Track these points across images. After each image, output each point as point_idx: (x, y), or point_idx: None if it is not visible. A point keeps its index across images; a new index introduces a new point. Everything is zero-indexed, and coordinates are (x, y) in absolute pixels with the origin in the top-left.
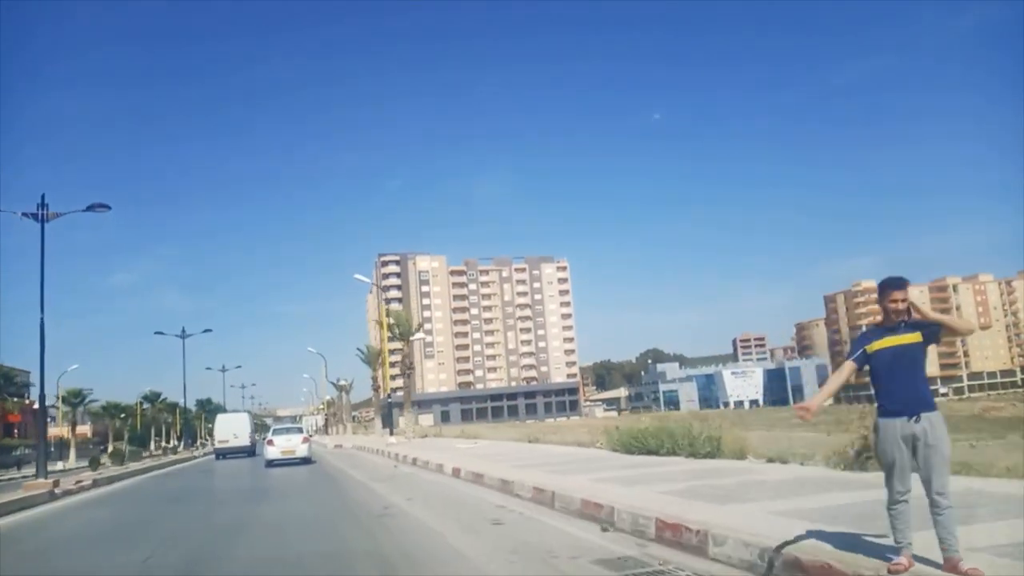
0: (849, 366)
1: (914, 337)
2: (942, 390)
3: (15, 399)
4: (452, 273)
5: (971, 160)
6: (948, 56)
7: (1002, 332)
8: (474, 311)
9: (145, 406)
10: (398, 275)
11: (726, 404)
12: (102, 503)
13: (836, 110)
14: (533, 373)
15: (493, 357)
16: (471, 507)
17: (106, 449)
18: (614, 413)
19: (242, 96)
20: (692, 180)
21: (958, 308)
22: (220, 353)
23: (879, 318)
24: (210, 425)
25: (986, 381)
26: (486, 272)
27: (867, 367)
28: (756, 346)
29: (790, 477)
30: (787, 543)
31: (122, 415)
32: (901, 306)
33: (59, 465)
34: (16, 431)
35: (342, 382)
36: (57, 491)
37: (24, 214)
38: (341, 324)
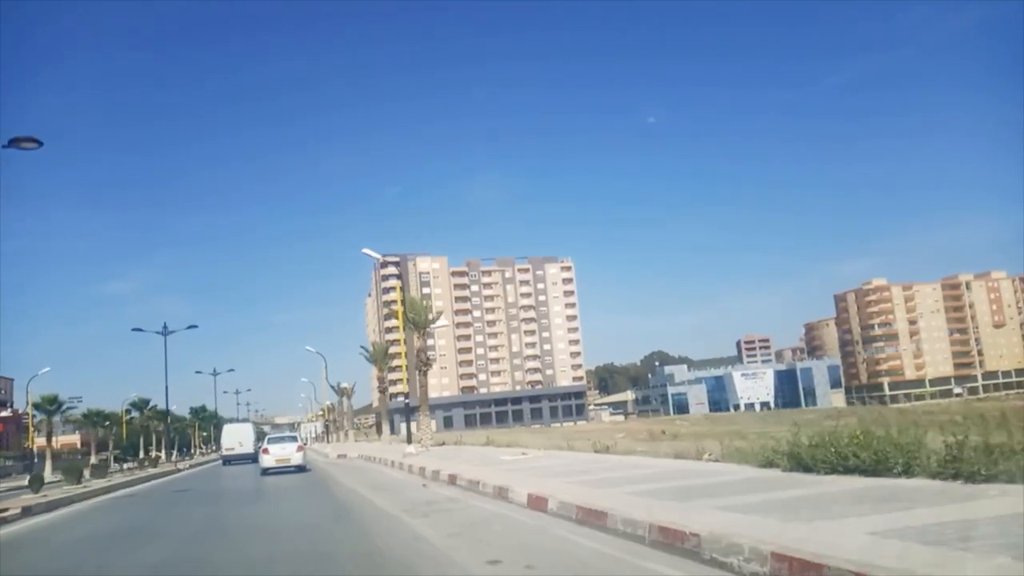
0: None
1: None
2: (956, 390)
3: None
4: (454, 274)
5: (981, 156)
6: (950, 51)
7: (1016, 330)
8: (477, 313)
9: (133, 414)
10: (398, 276)
11: (736, 407)
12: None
13: (839, 108)
14: (538, 377)
15: (497, 360)
16: None
17: (87, 461)
18: (620, 417)
19: (233, 99)
20: (692, 180)
21: (972, 306)
22: (217, 361)
23: (891, 317)
24: (204, 434)
25: (1001, 380)
26: (488, 273)
27: None
28: (761, 347)
29: None
30: None
31: (106, 423)
32: None
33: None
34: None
35: (344, 385)
36: None
37: None
38: (339, 331)
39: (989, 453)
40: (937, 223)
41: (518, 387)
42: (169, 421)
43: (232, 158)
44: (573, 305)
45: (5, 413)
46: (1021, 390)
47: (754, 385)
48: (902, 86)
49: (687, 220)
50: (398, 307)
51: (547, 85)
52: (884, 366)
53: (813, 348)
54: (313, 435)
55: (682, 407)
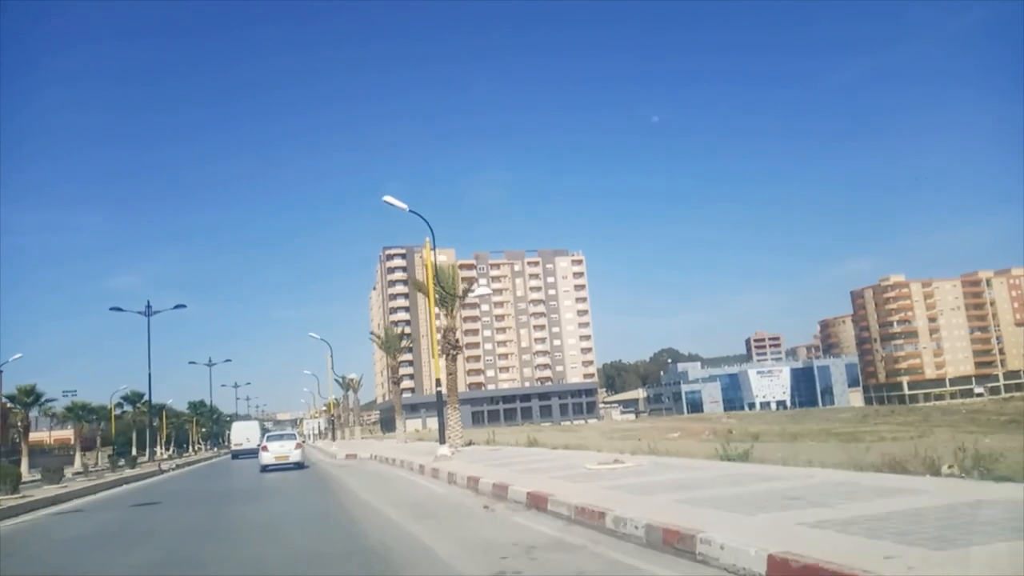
0: None
1: None
2: (977, 389)
3: None
4: (461, 267)
5: (993, 152)
6: (954, 50)
7: None
8: (485, 307)
9: (126, 408)
10: (404, 269)
11: (751, 405)
12: None
13: (844, 106)
14: (547, 373)
15: (505, 356)
16: None
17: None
18: (631, 416)
19: (235, 94)
20: (695, 178)
21: (993, 303)
22: (221, 356)
23: (910, 314)
24: (204, 429)
25: (1023, 380)
26: (497, 266)
27: None
28: (771, 345)
29: None
30: None
31: (92, 417)
32: None
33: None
34: None
35: (351, 376)
36: None
37: None
38: (342, 327)
39: None
40: (940, 222)
41: (526, 384)
42: (165, 416)
43: (234, 153)
44: (584, 300)
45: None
46: None
47: (770, 383)
48: (906, 84)
49: (693, 218)
50: (429, 273)
51: (549, 82)
52: (903, 365)
53: (829, 346)
54: (316, 432)
55: (696, 405)
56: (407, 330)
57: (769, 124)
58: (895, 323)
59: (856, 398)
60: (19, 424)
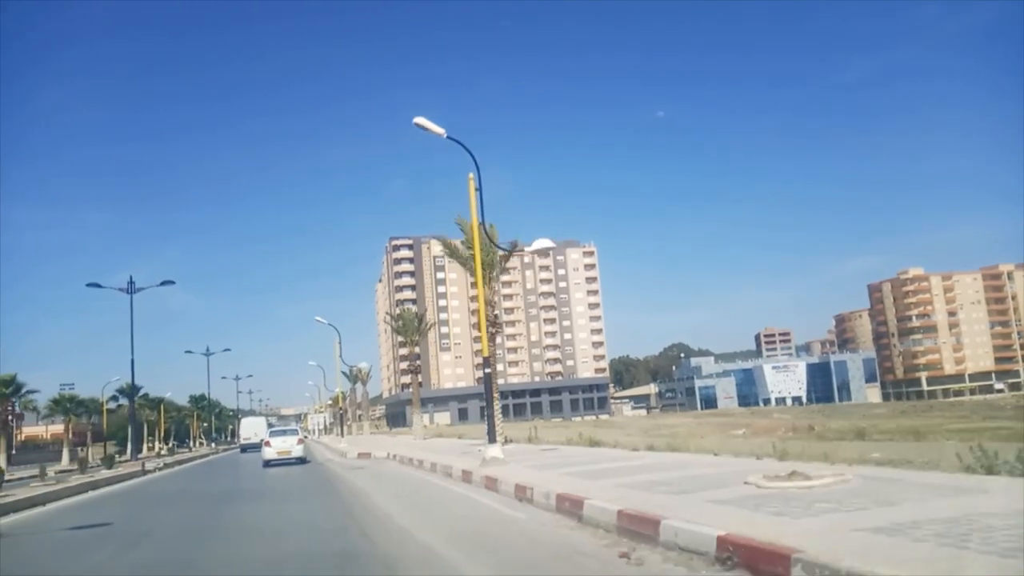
0: None
1: None
2: (997, 385)
3: None
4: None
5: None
6: (958, 49)
7: None
8: (494, 299)
9: (121, 401)
10: (411, 260)
11: (766, 401)
12: None
13: (851, 104)
14: (558, 368)
15: (515, 350)
16: None
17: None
18: (643, 411)
19: (239, 90)
20: (701, 175)
21: (1014, 297)
22: (226, 354)
23: (929, 308)
24: (206, 424)
25: None
26: (506, 257)
27: None
28: (781, 341)
29: None
30: None
31: (80, 411)
32: None
33: None
34: None
35: (361, 365)
36: None
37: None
38: (347, 324)
39: None
40: (943, 219)
41: (536, 378)
42: (163, 409)
43: (238, 150)
44: (596, 292)
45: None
46: None
47: (785, 379)
48: (910, 83)
49: (700, 212)
50: (473, 219)
51: (554, 79)
52: (922, 360)
53: (844, 341)
54: (321, 427)
55: (710, 401)
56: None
57: (775, 122)
58: (914, 317)
59: (874, 394)
60: (8, 417)
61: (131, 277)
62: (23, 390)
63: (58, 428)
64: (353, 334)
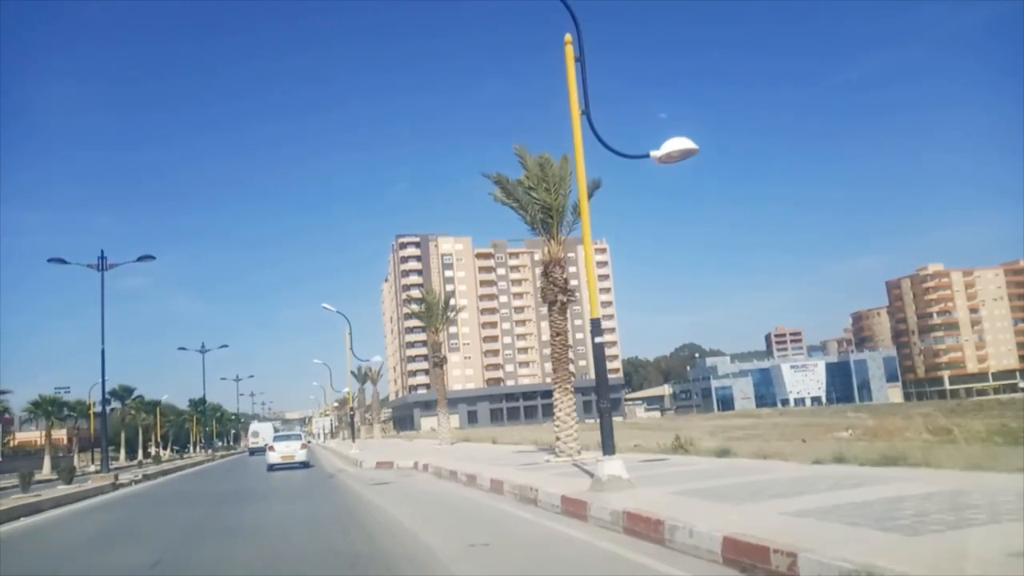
0: None
1: None
2: (1022, 384)
3: None
4: (478, 256)
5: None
6: (963, 48)
7: None
8: (503, 299)
9: (113, 404)
10: (418, 258)
11: (784, 402)
12: None
13: (852, 103)
14: (571, 368)
15: (525, 350)
16: None
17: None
18: (656, 413)
19: (241, 94)
20: (707, 174)
21: None
22: (229, 357)
23: (950, 304)
24: (207, 429)
25: None
26: (516, 255)
27: None
28: (792, 340)
29: None
30: None
31: (64, 414)
32: None
33: None
34: None
35: (375, 360)
36: None
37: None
38: (353, 325)
39: None
40: (948, 220)
41: (548, 379)
42: (160, 413)
43: (241, 153)
44: (608, 290)
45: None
46: None
47: (804, 378)
48: (915, 82)
49: (708, 213)
50: (573, 106)
51: (557, 80)
52: (944, 358)
53: (862, 339)
54: (327, 431)
55: (726, 402)
56: (419, 324)
57: (776, 122)
58: (934, 314)
59: (895, 393)
60: None
61: (102, 252)
62: None
63: (56, 434)
64: (358, 337)
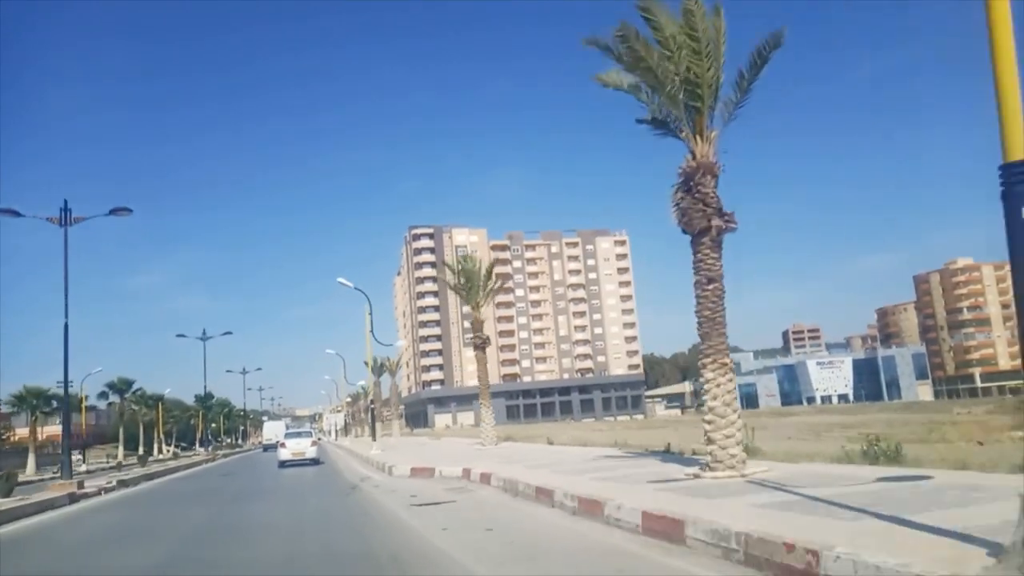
0: None
1: None
2: None
3: None
4: (494, 248)
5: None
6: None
7: None
8: (520, 292)
9: (111, 398)
10: (432, 250)
11: (811, 399)
12: None
13: (867, 99)
14: (588, 364)
15: (542, 346)
16: None
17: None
18: (676, 411)
19: (251, 92)
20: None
21: None
22: (239, 354)
23: (981, 299)
24: (214, 425)
25: None
26: (532, 247)
27: None
28: (810, 337)
29: None
30: None
31: (50, 408)
32: None
33: None
34: None
35: (398, 342)
36: None
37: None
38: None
39: None
40: (969, 216)
41: (565, 375)
42: (162, 408)
43: (252, 151)
44: (628, 284)
45: None
46: None
47: (830, 375)
48: (919, 80)
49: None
50: None
51: (567, 80)
52: (975, 355)
53: (887, 336)
54: (339, 427)
55: (751, 400)
56: (432, 309)
57: (779, 121)
58: (964, 310)
59: (925, 391)
60: None
61: (65, 202)
62: None
63: (52, 429)
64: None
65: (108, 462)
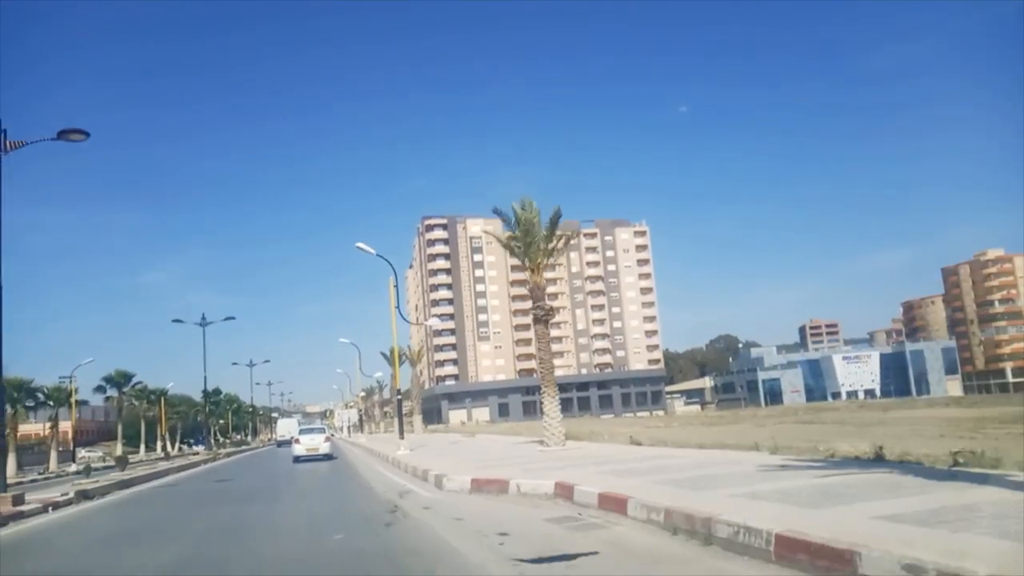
0: None
1: None
2: None
3: None
4: (509, 239)
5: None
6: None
7: None
8: None
9: (109, 392)
10: (445, 242)
11: (836, 395)
12: None
13: (880, 96)
14: (607, 359)
15: (560, 340)
16: None
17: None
18: (696, 407)
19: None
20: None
21: None
22: (250, 351)
23: (1014, 292)
24: (223, 421)
25: None
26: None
27: None
28: (828, 332)
29: None
30: None
31: (34, 402)
32: None
33: None
34: None
35: (431, 320)
36: None
37: None
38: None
39: None
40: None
41: (583, 370)
42: (164, 403)
43: (261, 149)
44: (648, 276)
45: None
46: None
47: (858, 370)
48: (923, 78)
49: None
50: None
51: (574, 80)
52: (1006, 349)
53: (913, 330)
54: (353, 422)
55: (775, 395)
56: (446, 302)
57: (781, 122)
58: (996, 302)
59: (955, 387)
60: None
61: (4, 131)
62: None
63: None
64: (380, 331)
65: (105, 461)
